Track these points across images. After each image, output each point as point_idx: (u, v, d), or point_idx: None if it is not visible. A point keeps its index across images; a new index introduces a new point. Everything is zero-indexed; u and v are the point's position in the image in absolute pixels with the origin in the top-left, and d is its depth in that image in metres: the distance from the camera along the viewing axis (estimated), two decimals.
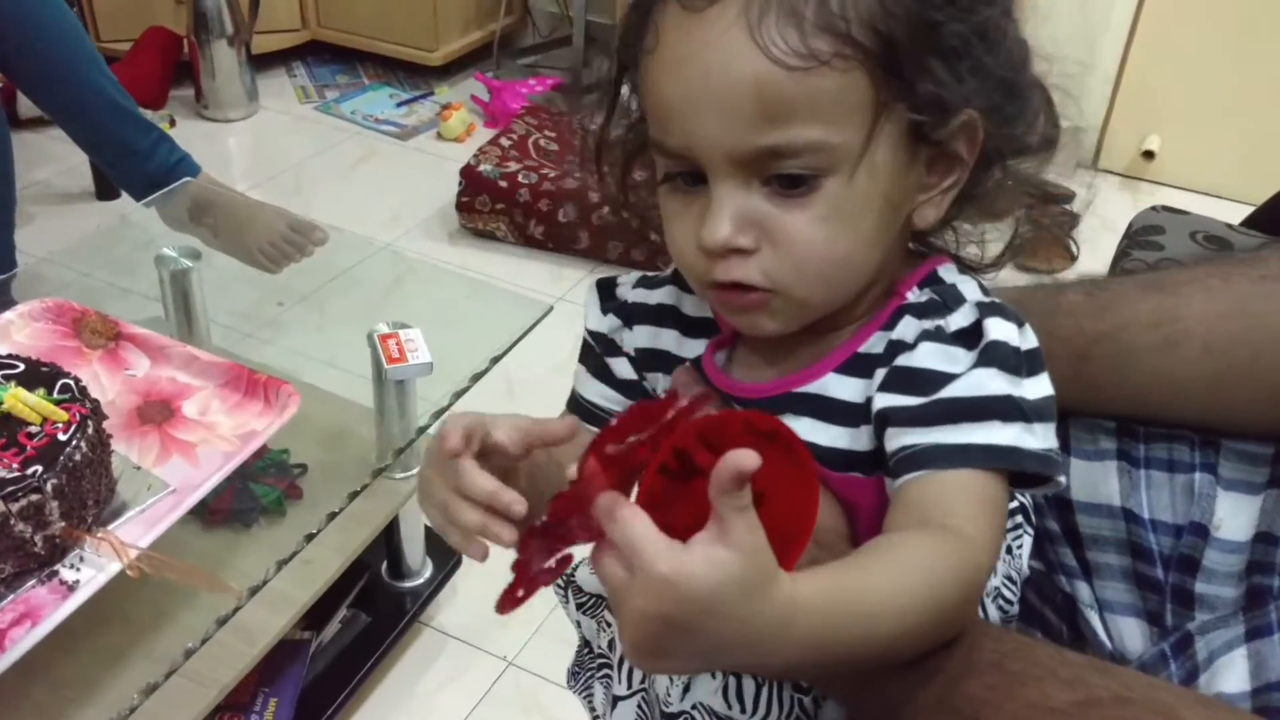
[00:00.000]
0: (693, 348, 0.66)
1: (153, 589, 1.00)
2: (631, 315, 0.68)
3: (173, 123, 2.89)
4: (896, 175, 0.56)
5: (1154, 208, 1.32)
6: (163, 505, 1.03)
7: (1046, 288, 0.79)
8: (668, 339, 0.67)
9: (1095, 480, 0.75)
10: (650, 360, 0.67)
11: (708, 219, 0.56)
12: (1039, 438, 0.56)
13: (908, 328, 0.59)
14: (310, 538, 1.07)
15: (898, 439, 0.56)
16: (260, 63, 3.08)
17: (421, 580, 1.55)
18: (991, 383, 0.55)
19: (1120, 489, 0.74)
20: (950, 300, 0.59)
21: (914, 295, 0.60)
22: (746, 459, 0.43)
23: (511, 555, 0.53)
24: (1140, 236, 1.24)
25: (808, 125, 0.53)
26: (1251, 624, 0.64)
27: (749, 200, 0.55)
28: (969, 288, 0.60)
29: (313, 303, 1.76)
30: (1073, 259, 2.39)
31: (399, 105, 3.09)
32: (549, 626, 1.57)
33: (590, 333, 0.69)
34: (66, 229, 2.36)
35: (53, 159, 2.63)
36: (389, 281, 1.75)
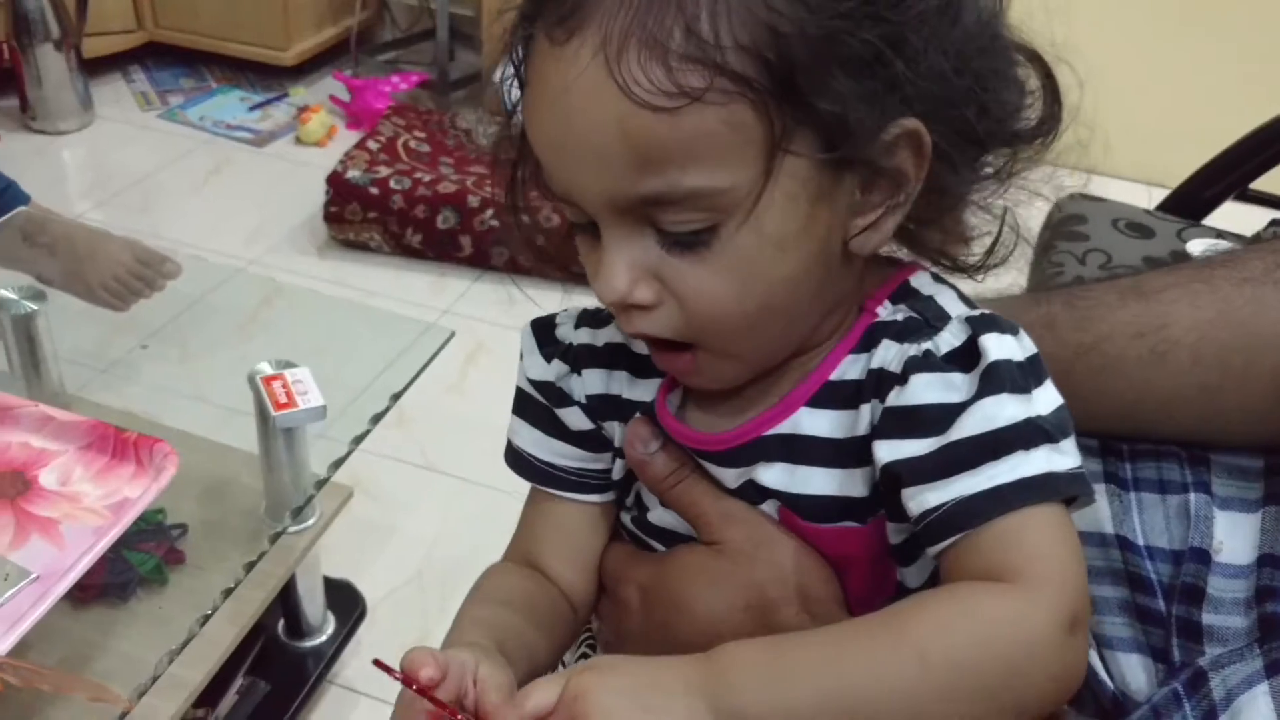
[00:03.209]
0: (644, 389, 0.59)
1: (17, 695, 0.87)
2: (579, 359, 0.60)
3: None
4: (814, 208, 0.49)
5: (1072, 196, 1.30)
6: (25, 597, 0.90)
7: (1024, 300, 0.75)
8: (619, 382, 0.60)
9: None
10: (604, 407, 0.60)
11: (601, 271, 0.50)
12: (1068, 455, 0.50)
13: (888, 353, 0.52)
14: (206, 619, 0.95)
15: (918, 500, 0.50)
16: (93, 68, 2.88)
17: (324, 638, 1.45)
18: (1003, 411, 0.49)
19: (1111, 514, 0.71)
20: (932, 317, 0.53)
21: (886, 311, 0.54)
22: None
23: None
24: (1064, 227, 1.21)
25: (687, 171, 0.46)
26: (1271, 657, 0.60)
27: (644, 250, 0.49)
28: (948, 299, 0.54)
29: (171, 335, 1.65)
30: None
31: (251, 109, 2.94)
32: None
33: (533, 383, 0.62)
34: None
35: None
36: (255, 306, 1.65)
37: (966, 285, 0.61)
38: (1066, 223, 1.23)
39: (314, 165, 2.56)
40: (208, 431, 1.31)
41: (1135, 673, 0.68)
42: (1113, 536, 0.69)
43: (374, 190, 2.31)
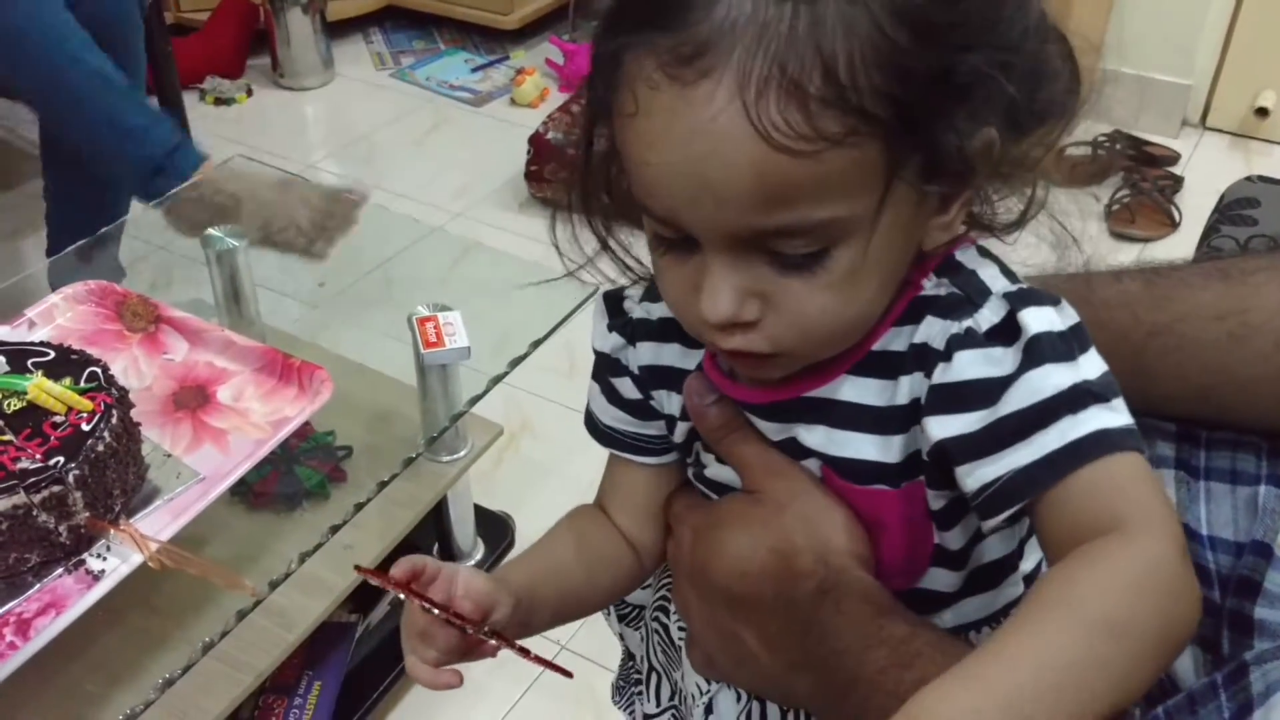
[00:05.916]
0: (696, 358, 0.63)
1: (187, 575, 1.00)
2: (635, 332, 0.64)
3: (250, 92, 2.92)
4: (912, 220, 0.52)
5: (1249, 178, 1.22)
6: (190, 494, 1.03)
7: (1102, 275, 0.74)
8: (670, 354, 0.63)
9: None
10: (654, 378, 0.64)
11: (706, 292, 0.51)
12: (1120, 412, 0.50)
13: (932, 329, 0.54)
14: (336, 529, 1.06)
15: (975, 475, 0.51)
16: (336, 30, 3.08)
17: (473, 562, 1.54)
18: (1048, 381, 0.50)
19: (1176, 501, 0.69)
20: (974, 293, 0.54)
21: (930, 285, 0.55)
22: None
23: None
24: (1231, 210, 1.14)
25: (816, 206, 0.48)
26: None
27: (750, 271, 0.51)
28: (991, 274, 0.55)
29: (379, 278, 1.76)
30: (1174, 225, 2.25)
31: (474, 71, 3.07)
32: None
33: (597, 352, 0.67)
34: None
35: None
36: (445, 261, 1.74)
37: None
38: (1235, 206, 1.16)
39: (524, 126, 2.64)
40: (389, 367, 1.41)
41: (1184, 661, 0.68)
42: None
43: (571, 151, 2.38)
